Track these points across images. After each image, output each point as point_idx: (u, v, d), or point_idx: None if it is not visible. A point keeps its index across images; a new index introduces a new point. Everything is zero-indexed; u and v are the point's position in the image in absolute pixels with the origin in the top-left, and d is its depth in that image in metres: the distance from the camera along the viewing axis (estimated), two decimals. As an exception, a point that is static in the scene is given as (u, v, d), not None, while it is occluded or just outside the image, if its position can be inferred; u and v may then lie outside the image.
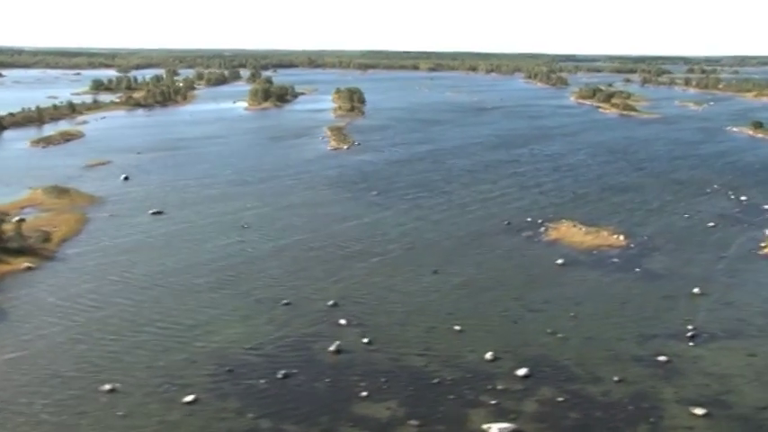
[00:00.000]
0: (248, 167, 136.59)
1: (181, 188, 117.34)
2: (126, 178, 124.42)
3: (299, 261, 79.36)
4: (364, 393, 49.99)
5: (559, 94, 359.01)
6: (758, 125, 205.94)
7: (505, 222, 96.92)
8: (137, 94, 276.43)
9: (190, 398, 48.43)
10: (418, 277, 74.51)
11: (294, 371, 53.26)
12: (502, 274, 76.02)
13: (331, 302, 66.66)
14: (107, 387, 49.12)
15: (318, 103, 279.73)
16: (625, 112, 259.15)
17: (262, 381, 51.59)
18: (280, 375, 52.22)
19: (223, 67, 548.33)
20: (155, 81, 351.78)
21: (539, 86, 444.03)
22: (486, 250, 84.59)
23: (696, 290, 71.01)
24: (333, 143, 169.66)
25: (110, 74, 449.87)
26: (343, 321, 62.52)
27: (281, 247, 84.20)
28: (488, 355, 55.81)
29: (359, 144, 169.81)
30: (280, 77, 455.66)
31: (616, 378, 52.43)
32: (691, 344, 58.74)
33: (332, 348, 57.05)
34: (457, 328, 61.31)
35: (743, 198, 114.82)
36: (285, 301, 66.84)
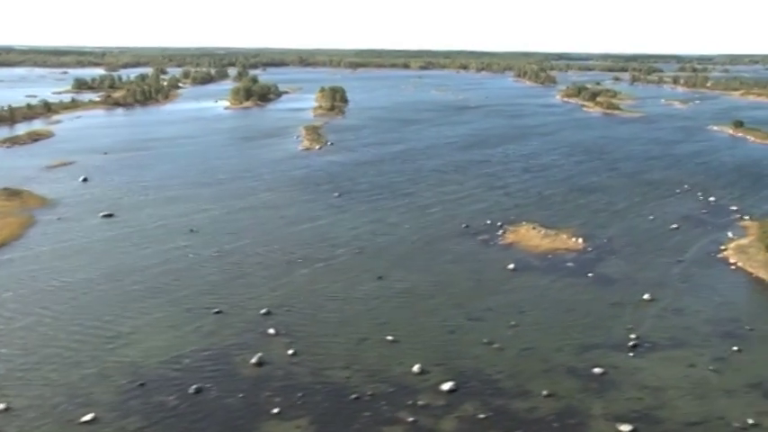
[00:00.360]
0: (213, 168, 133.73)
1: (139, 190, 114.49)
2: (85, 180, 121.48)
3: (240, 267, 76.67)
4: (276, 410, 47.41)
5: (546, 93, 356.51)
6: (739, 124, 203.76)
7: (464, 225, 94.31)
8: (117, 94, 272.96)
9: (88, 417, 45.77)
10: (361, 284, 71.93)
11: (208, 385, 50.65)
12: (449, 280, 73.45)
13: (264, 311, 64.06)
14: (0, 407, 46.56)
15: (301, 102, 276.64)
16: (608, 111, 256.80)
17: (172, 396, 49.01)
18: (192, 390, 49.64)
19: (212, 66, 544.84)
20: (139, 80, 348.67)
21: (527, 85, 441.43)
22: (437, 255, 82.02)
23: (646, 296, 68.67)
24: (305, 143, 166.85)
25: (97, 73, 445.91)
26: (272, 331, 59.94)
27: (225, 252, 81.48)
28: (416, 368, 53.26)
29: (332, 144, 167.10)
30: (267, 76, 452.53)
31: (545, 392, 49.97)
32: (630, 354, 56.33)
33: (253, 361, 54.47)
34: (389, 338, 58.77)
35: (711, 199, 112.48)
36: (216, 310, 64.23)
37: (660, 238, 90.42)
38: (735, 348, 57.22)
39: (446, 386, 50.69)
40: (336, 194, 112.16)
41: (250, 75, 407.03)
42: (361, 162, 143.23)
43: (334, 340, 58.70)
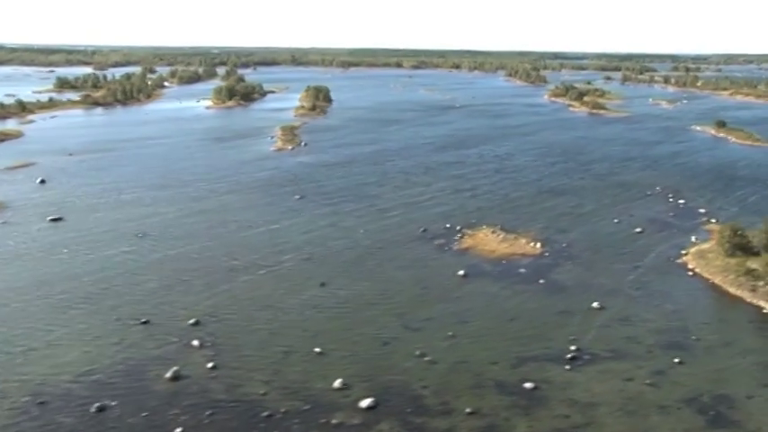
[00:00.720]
0: (177, 170, 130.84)
1: (96, 193, 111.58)
2: (42, 182, 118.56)
3: (180, 274, 73.87)
4: (179, 429, 44.68)
5: (535, 92, 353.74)
6: (721, 124, 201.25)
7: (422, 229, 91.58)
8: (97, 93, 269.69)
9: (-26, 438, 43.30)
10: (302, 292, 69.15)
11: (113, 403, 47.92)
12: (394, 288, 70.71)
13: (193, 321, 61.30)
14: None
15: (285, 102, 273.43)
16: (594, 111, 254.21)
17: (71, 416, 46.21)
18: (93, 409, 46.85)
19: (204, 65, 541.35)
20: (124, 79, 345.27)
21: (518, 84, 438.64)
22: (387, 261, 79.24)
23: (595, 304, 66.05)
24: (279, 144, 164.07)
25: (84, 72, 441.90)
26: (195, 343, 57.21)
27: (167, 259, 78.71)
28: (337, 383, 50.59)
29: (305, 144, 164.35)
30: (256, 76, 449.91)
31: (469, 409, 47.31)
32: (567, 367, 53.67)
33: (168, 375, 51.71)
34: (317, 350, 56.05)
35: (681, 201, 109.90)
36: (144, 320, 61.48)
37: (622, 242, 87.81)
38: (676, 360, 54.63)
39: (365, 403, 48.04)
40: (298, 197, 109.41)
41: (238, 74, 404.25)
42: (331, 163, 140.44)
43: (259, 353, 56.00)
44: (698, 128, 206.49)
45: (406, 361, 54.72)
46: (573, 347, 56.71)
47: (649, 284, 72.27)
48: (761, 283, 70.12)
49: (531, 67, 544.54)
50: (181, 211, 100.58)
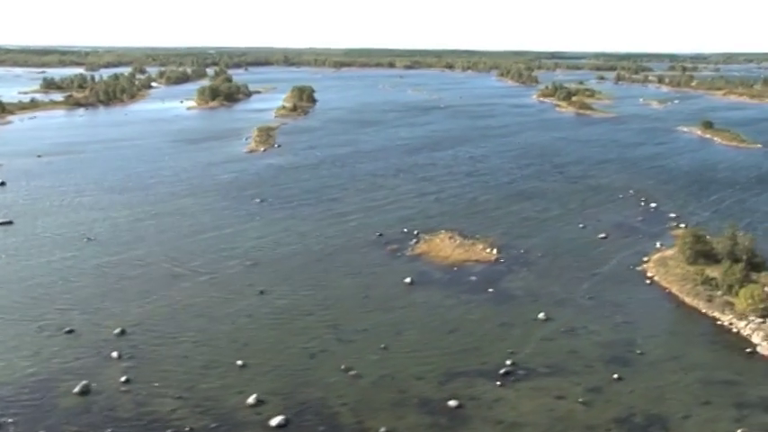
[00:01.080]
0: (142, 172, 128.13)
1: (54, 195, 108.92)
2: (2, 184, 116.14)
3: (118, 280, 71.25)
4: (71, 451, 42.38)
5: (525, 92, 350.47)
6: (708, 125, 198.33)
7: (378, 234, 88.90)
8: (79, 94, 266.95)
9: None
10: (239, 300, 66.54)
11: (11, 420, 45.46)
12: (336, 296, 68.11)
13: (118, 331, 58.76)
14: None
15: (269, 102, 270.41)
16: (581, 111, 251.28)
17: (-38, 435, 43.97)
18: (-13, 428, 44.63)
19: (196, 65, 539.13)
20: (112, 79, 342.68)
21: (509, 84, 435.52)
22: (335, 267, 76.58)
23: (542, 315, 63.38)
24: (252, 145, 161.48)
25: (75, 72, 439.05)
26: (114, 354, 54.60)
27: (108, 264, 76.05)
28: (251, 399, 47.93)
29: (279, 146, 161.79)
30: (247, 76, 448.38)
31: (384, 429, 44.66)
32: (498, 383, 50.94)
33: (77, 390, 49.09)
34: (240, 363, 53.43)
35: (653, 205, 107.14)
36: (68, 329, 58.96)
37: (583, 248, 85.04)
38: (615, 377, 51.89)
39: (275, 421, 45.40)
40: (258, 200, 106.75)
41: (227, 74, 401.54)
42: (301, 165, 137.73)
43: (179, 365, 53.32)
44: (684, 129, 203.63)
45: (331, 375, 52.09)
46: (508, 362, 53.97)
47: (603, 294, 69.54)
48: (718, 292, 67.50)
49: (524, 66, 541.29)
50: (135, 214, 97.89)
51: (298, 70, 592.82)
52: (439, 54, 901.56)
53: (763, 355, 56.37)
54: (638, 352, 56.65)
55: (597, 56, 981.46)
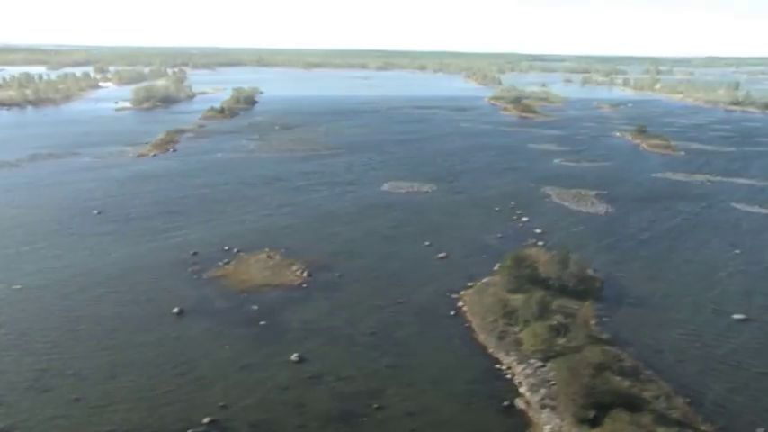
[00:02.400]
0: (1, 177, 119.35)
1: None
2: None
3: None
4: None
5: (482, 95, 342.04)
6: (641, 130, 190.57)
7: (192, 252, 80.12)
8: (5, 94, 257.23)
9: None
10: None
11: None
12: (83, 327, 58.98)
13: None
14: None
15: (208, 104, 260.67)
16: (524, 115, 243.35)
17: None
18: None
19: (164, 65, 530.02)
20: (61, 79, 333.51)
21: (473, 86, 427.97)
22: (112, 291, 67.45)
23: (294, 356, 54.63)
24: (146, 149, 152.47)
25: (38, 70, 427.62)
26: None
27: None
28: None
29: (174, 150, 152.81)
30: (208, 76, 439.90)
31: None
32: (173, 450, 42.39)
33: None
34: None
35: (525, 219, 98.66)
36: None
37: (411, 270, 76.29)
38: (317, 441, 43.41)
39: None
40: (96, 212, 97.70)
41: (185, 74, 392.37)
42: (178, 171, 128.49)
43: None
44: (617, 134, 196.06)
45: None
46: (206, 420, 45.18)
47: (390, 329, 60.70)
48: (516, 328, 59.01)
49: (496, 69, 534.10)
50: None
51: (267, 71, 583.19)
52: (419, 56, 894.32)
53: (519, 410, 47.85)
54: (375, 406, 47.88)
55: (580, 59, 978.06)
